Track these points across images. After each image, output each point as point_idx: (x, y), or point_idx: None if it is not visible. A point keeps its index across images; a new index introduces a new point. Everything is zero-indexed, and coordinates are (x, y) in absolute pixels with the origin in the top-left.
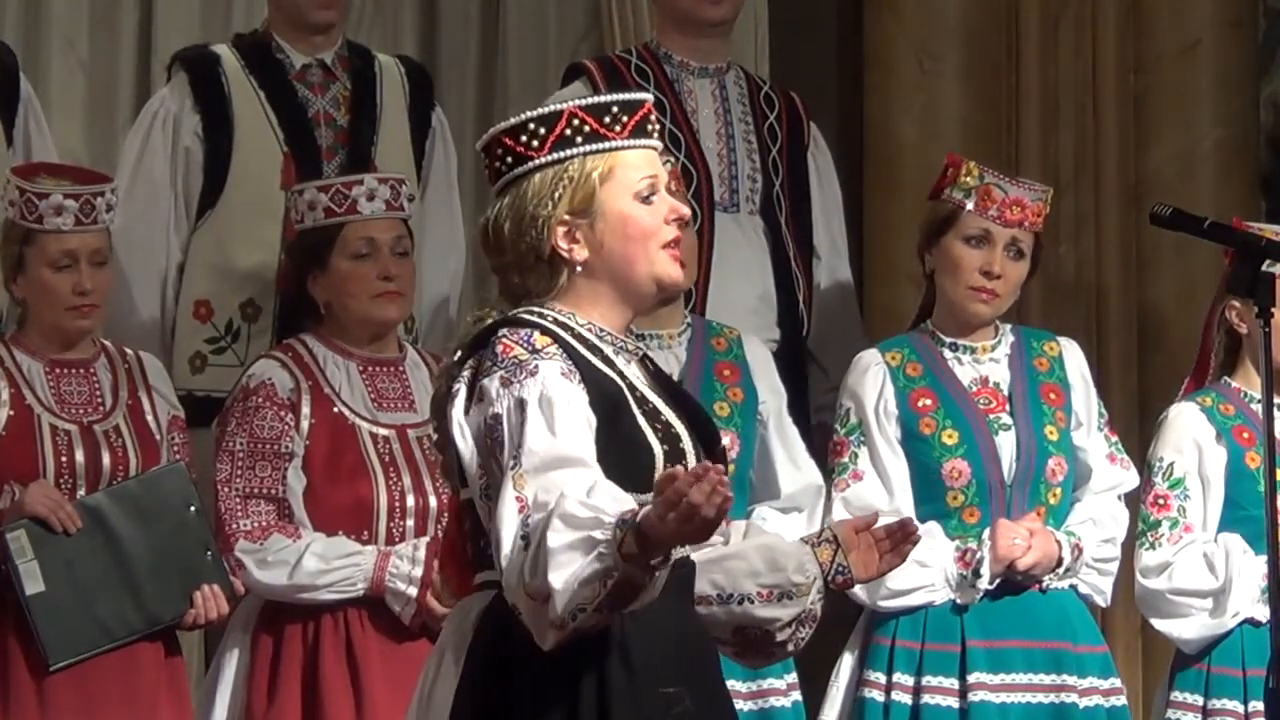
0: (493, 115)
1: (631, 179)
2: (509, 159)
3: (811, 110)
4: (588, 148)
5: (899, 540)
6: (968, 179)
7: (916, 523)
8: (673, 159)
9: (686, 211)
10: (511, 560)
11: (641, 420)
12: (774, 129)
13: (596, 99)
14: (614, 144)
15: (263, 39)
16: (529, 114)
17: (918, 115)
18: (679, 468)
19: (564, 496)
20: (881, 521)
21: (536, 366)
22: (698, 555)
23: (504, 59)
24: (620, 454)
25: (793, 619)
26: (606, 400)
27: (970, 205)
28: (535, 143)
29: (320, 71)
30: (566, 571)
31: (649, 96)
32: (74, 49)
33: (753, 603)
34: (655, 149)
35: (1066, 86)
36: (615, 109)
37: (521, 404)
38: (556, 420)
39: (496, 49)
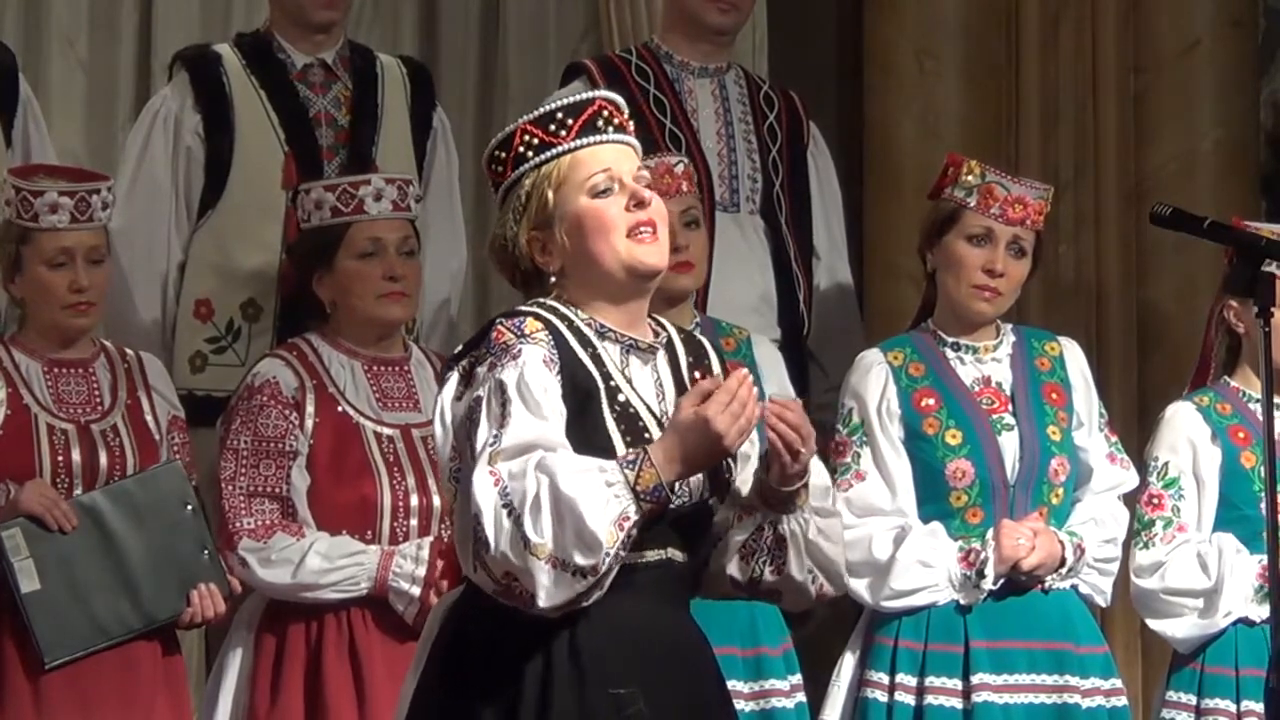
0: (493, 115)
1: (581, 177)
2: (493, 187)
3: (811, 110)
4: (537, 159)
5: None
6: (969, 178)
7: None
8: (684, 160)
9: (646, 194)
10: (498, 528)
11: (610, 420)
12: (774, 129)
13: (542, 109)
14: (560, 149)
15: (264, 38)
16: (492, 141)
17: (918, 115)
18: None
19: (549, 455)
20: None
21: (520, 350)
22: None
23: (504, 59)
24: (583, 450)
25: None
26: (578, 393)
27: (972, 204)
28: (500, 167)
29: (321, 71)
30: (598, 512)
31: (602, 94)
32: (74, 49)
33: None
34: (623, 144)
35: (1066, 86)
36: (560, 114)
37: (502, 386)
38: (541, 406)
39: (496, 49)
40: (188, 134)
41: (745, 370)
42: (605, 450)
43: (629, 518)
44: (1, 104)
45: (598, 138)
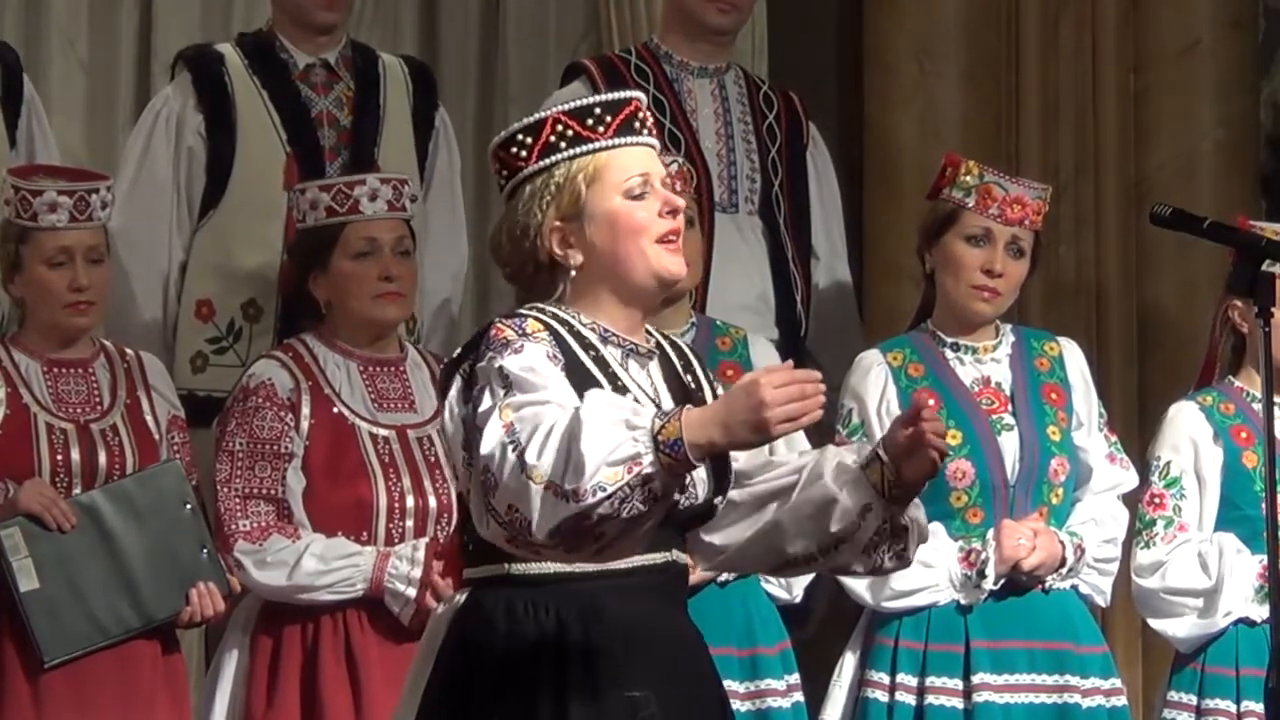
0: (493, 115)
1: (618, 178)
2: (505, 172)
3: (811, 110)
4: (572, 151)
5: (922, 424)
6: (967, 178)
7: (924, 400)
8: (680, 160)
9: (680, 202)
10: (503, 463)
11: None
12: (773, 129)
13: (580, 102)
14: (598, 145)
15: (266, 39)
16: (517, 125)
17: (918, 115)
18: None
19: (590, 393)
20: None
21: (523, 345)
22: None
23: (504, 59)
24: None
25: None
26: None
27: (971, 204)
28: (524, 153)
29: (323, 71)
30: (600, 445)
31: (636, 94)
32: (74, 49)
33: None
34: (651, 146)
35: (1066, 86)
36: (599, 110)
37: (503, 370)
38: (549, 380)
39: (496, 49)
40: (190, 134)
41: (818, 373)
42: None
43: (641, 463)
44: (6, 103)
45: (634, 139)
